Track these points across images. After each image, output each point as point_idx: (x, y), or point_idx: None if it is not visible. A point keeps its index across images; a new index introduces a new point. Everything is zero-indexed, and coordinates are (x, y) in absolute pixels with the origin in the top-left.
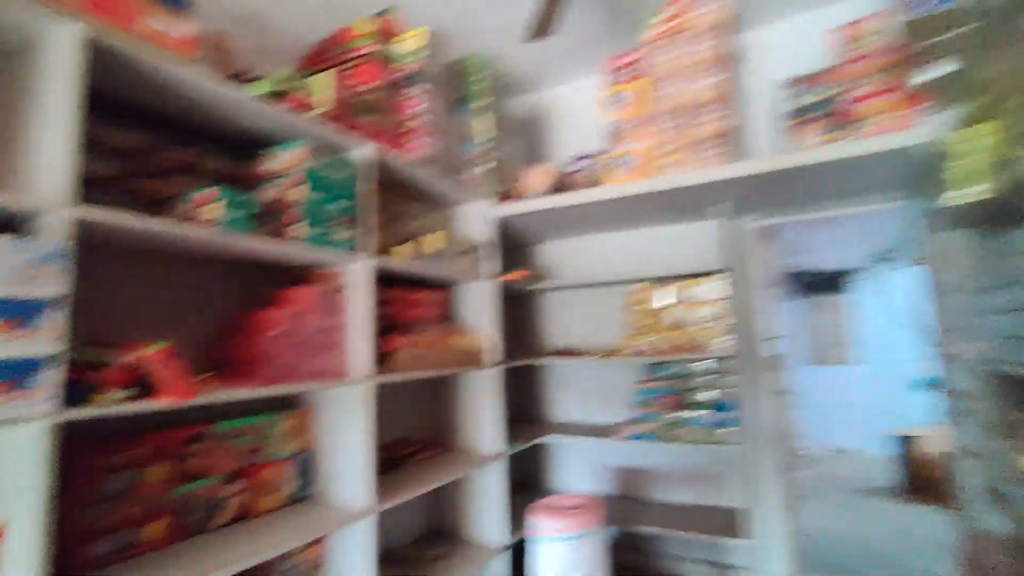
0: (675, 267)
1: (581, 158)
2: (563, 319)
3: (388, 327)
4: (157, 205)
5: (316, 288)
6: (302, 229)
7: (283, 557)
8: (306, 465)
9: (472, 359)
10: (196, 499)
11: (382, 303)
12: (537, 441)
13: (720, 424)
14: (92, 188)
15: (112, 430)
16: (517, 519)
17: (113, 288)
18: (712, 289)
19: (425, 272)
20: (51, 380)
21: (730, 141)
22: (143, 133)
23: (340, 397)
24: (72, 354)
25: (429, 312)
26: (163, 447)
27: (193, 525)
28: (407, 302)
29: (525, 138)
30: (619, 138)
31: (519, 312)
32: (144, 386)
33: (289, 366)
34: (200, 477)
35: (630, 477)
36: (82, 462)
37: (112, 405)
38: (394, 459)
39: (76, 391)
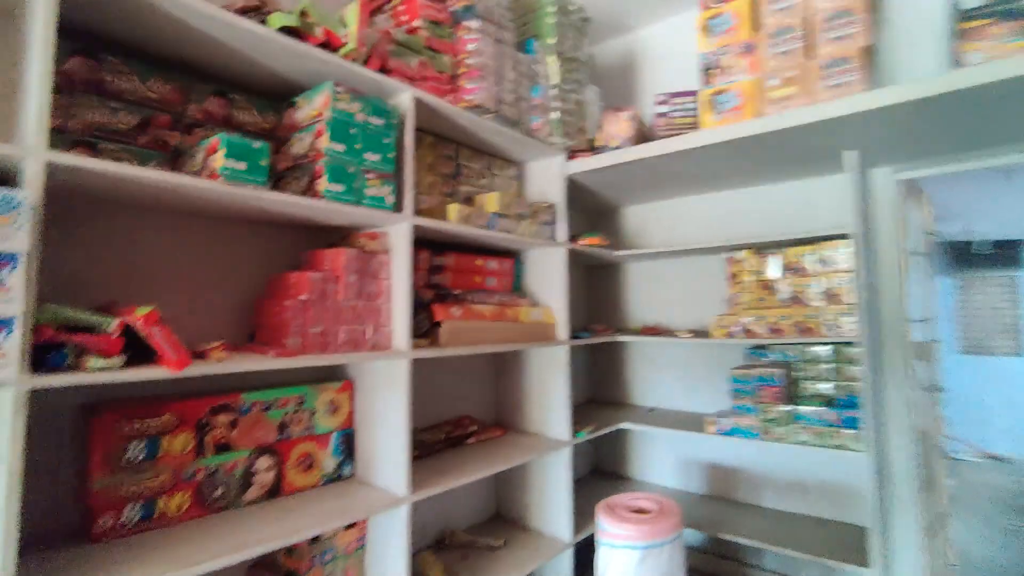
0: (790, 231)
1: (672, 97)
2: (651, 293)
3: (443, 296)
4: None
5: (349, 250)
6: (328, 184)
7: (318, 539)
8: (346, 443)
9: (539, 334)
10: (223, 473)
11: (433, 270)
12: (611, 429)
13: (843, 423)
14: (114, 139)
15: (134, 397)
16: (590, 511)
17: (132, 250)
18: (837, 258)
19: (482, 236)
20: (17, 343)
21: (867, 63)
22: (172, 82)
23: (378, 372)
24: (56, 316)
25: (491, 282)
26: (186, 416)
27: (221, 500)
28: (464, 269)
29: (606, 85)
30: (717, 72)
31: (599, 284)
32: (137, 353)
33: (315, 335)
34: (228, 450)
35: (724, 476)
36: (101, 429)
37: (97, 373)
38: (454, 438)
39: (60, 356)
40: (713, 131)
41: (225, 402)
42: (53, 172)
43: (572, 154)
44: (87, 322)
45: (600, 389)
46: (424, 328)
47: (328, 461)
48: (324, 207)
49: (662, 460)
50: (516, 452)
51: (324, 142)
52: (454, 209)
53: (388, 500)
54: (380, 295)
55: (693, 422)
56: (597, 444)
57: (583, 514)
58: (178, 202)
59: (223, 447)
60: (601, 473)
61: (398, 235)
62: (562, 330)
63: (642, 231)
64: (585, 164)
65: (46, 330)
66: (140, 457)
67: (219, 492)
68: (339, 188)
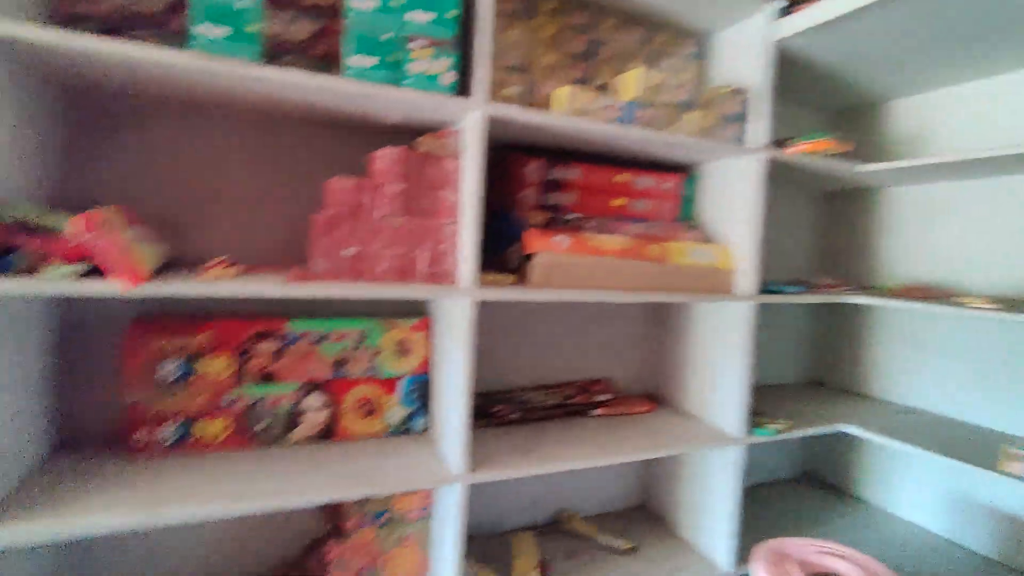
0: None
1: None
2: (921, 235)
3: (552, 222)
4: None
5: (393, 151)
6: (351, 57)
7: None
8: (420, 392)
9: (705, 283)
10: (267, 405)
11: (550, 187)
12: (824, 430)
13: None
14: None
15: (180, 313)
16: (774, 532)
17: (181, 159)
18: None
19: (611, 136)
20: None
21: None
22: None
23: (448, 312)
24: (8, 215)
25: (640, 205)
26: (226, 338)
27: (263, 434)
28: (596, 188)
29: None
30: None
31: (837, 219)
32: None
33: (346, 259)
34: (272, 381)
35: None
36: (133, 342)
37: (48, 283)
38: (573, 405)
39: (6, 261)
40: None
41: (269, 328)
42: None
43: (790, 5)
44: (46, 222)
45: (822, 369)
46: (515, 262)
47: (394, 410)
48: (345, 88)
49: (918, 487)
50: (655, 440)
51: None
52: (562, 95)
53: (443, 474)
54: (441, 212)
55: (979, 445)
56: (811, 441)
57: (763, 533)
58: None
59: (267, 377)
60: (813, 481)
61: (468, 129)
62: (746, 280)
63: (917, 138)
64: (812, 16)
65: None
66: (175, 376)
67: (262, 425)
68: (368, 62)
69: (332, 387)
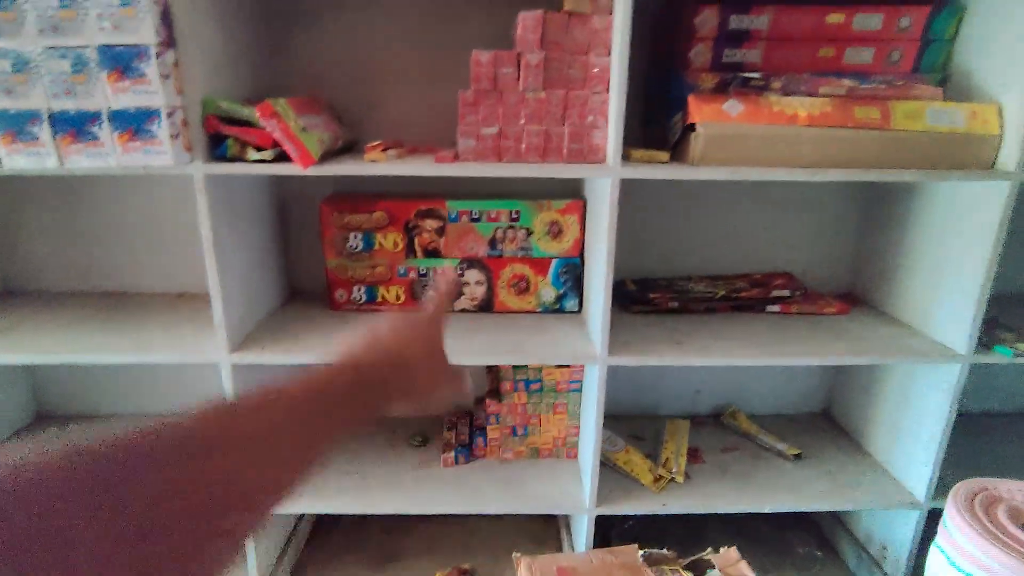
0: None
1: None
2: None
3: (738, 82)
4: None
5: (529, 15)
6: None
7: (525, 367)
8: (571, 274)
9: (946, 153)
10: (434, 276)
11: (730, 39)
12: None
13: None
14: None
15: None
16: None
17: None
18: None
19: None
20: (171, 132)
21: None
22: None
23: (596, 193)
24: (218, 109)
25: (858, 56)
26: (395, 216)
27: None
28: (793, 35)
29: None
30: None
31: None
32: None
33: (488, 137)
34: (436, 255)
35: None
36: (325, 217)
37: (251, 165)
38: (741, 299)
39: (223, 147)
40: None
41: (431, 207)
42: None
43: None
44: (242, 115)
45: None
46: (676, 134)
47: (546, 290)
48: None
49: None
50: (849, 346)
51: None
52: None
53: (584, 353)
54: (588, 81)
55: None
56: None
57: (970, 469)
58: None
59: (432, 252)
60: None
61: None
62: (1014, 152)
63: None
64: None
65: (212, 121)
66: (359, 247)
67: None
68: None
69: (488, 263)
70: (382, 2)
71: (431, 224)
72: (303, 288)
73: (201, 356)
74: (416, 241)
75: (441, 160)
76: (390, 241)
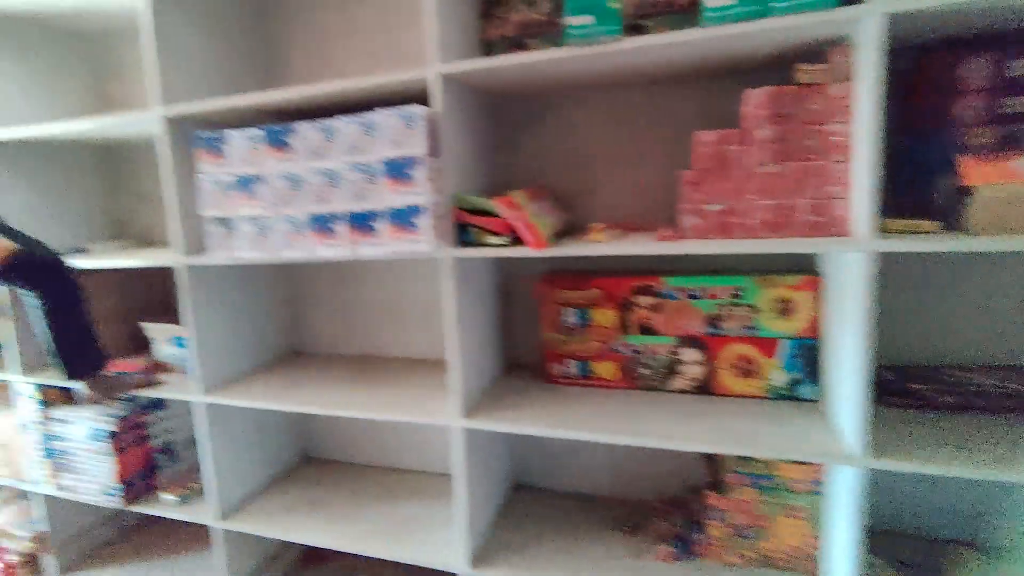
0: None
1: None
2: None
3: (1008, 140)
4: None
5: (757, 92)
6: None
7: (751, 458)
8: (808, 357)
9: None
10: (648, 353)
11: (1007, 89)
12: None
13: None
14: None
15: (570, 271)
16: None
17: (571, 135)
18: None
19: None
20: (430, 224)
21: None
22: None
23: (840, 268)
24: (464, 203)
25: None
26: (610, 293)
27: (646, 379)
28: None
29: None
30: None
31: None
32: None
33: (714, 214)
34: (651, 333)
35: None
36: (546, 294)
37: (491, 249)
38: (1009, 394)
39: (468, 235)
40: None
41: (647, 284)
42: (446, 80)
43: None
44: (485, 207)
45: None
46: (942, 200)
47: (776, 373)
48: (704, 37)
49: None
50: None
51: None
52: None
53: (834, 450)
54: (828, 151)
55: None
56: None
57: None
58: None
59: (647, 329)
60: None
61: (863, 41)
62: None
63: None
64: None
65: (459, 213)
66: (573, 323)
67: (645, 371)
68: (730, 1)
69: (706, 342)
70: (599, 95)
71: (646, 300)
72: (519, 361)
73: (437, 418)
74: (631, 318)
75: (663, 238)
76: (605, 318)
